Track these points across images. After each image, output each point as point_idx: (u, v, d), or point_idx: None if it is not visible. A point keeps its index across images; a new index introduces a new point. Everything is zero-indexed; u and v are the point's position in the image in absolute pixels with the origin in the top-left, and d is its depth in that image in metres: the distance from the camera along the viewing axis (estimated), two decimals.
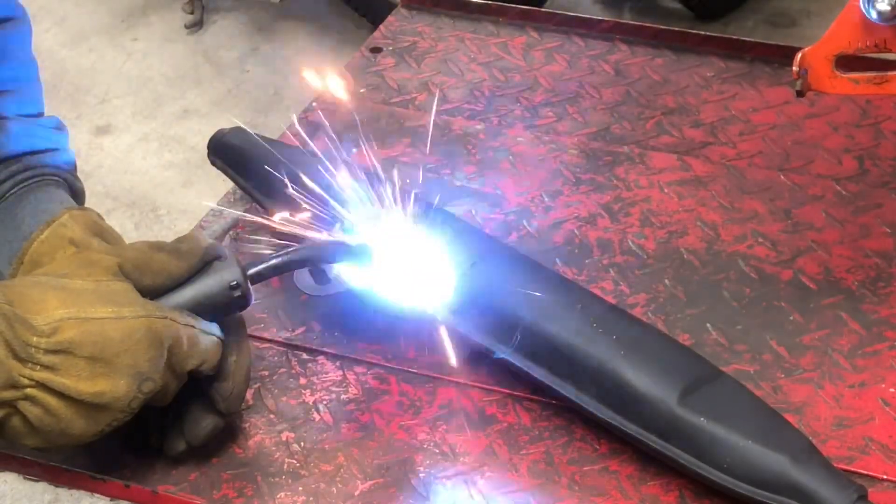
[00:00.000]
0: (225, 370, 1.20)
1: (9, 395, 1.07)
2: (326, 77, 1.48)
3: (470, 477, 1.21)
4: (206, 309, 1.18)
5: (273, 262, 1.22)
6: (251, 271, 1.20)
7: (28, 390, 1.08)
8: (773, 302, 1.40)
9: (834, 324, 1.37)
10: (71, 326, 1.09)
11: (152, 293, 1.17)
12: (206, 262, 1.19)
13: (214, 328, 1.18)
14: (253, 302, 1.20)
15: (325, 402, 1.30)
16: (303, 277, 1.30)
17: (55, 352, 1.08)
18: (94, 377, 1.09)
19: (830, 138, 1.65)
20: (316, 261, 1.26)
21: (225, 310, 1.19)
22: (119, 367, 1.10)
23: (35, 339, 1.07)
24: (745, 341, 1.35)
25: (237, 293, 1.18)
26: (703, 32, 1.87)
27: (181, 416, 1.21)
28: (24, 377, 1.07)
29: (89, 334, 1.09)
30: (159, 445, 1.22)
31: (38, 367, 1.07)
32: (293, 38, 4.06)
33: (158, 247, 1.19)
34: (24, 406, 1.08)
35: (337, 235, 1.29)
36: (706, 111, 1.72)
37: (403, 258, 1.29)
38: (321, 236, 1.37)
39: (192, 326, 1.15)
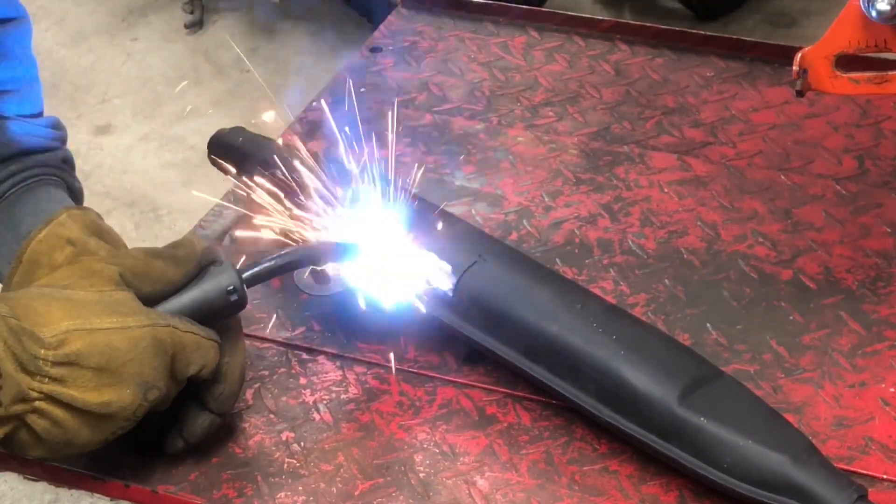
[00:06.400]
0: (217, 372, 1.20)
1: (19, 408, 1.07)
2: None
3: (470, 477, 1.21)
4: (204, 314, 1.18)
5: (268, 264, 1.22)
6: (246, 274, 1.20)
7: (37, 403, 1.08)
8: (773, 302, 1.40)
9: (834, 324, 1.36)
10: (77, 338, 1.09)
11: (151, 300, 1.17)
12: (202, 267, 1.20)
13: (212, 333, 1.18)
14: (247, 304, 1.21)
15: (325, 402, 1.29)
16: (303, 277, 1.30)
17: (62, 364, 1.08)
18: (100, 387, 1.10)
19: (830, 138, 1.65)
20: (310, 262, 1.26)
21: (222, 314, 1.20)
22: (125, 376, 1.11)
23: (42, 351, 1.07)
24: (745, 341, 1.35)
25: (234, 297, 1.19)
26: (703, 32, 1.87)
27: (178, 415, 1.21)
28: (32, 390, 1.07)
29: (95, 345, 1.09)
30: (158, 444, 1.22)
31: (47, 379, 1.07)
32: (293, 38, 4.06)
33: (156, 254, 1.19)
34: (32, 419, 1.08)
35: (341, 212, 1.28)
36: (706, 111, 1.72)
37: (400, 256, 1.29)
38: (319, 236, 1.37)
39: (193, 333, 1.16)
